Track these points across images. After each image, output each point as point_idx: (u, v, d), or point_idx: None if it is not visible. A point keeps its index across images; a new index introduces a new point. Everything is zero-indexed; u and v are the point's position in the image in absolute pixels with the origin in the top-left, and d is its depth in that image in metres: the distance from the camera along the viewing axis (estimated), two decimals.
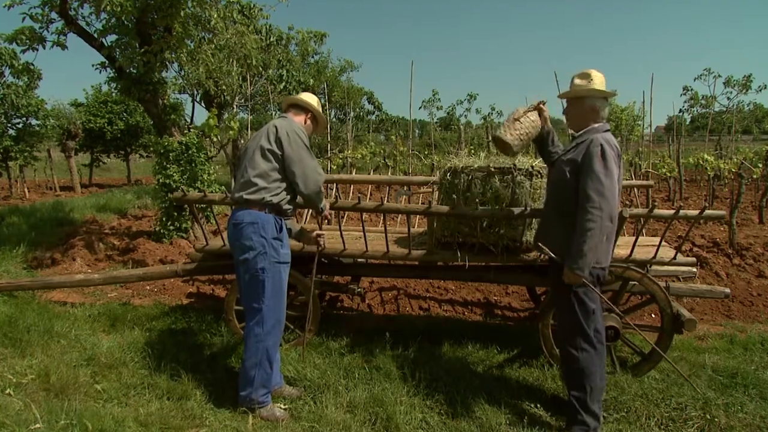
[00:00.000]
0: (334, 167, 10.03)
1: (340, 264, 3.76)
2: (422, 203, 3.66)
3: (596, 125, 2.44)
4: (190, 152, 6.00)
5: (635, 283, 3.08)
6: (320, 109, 2.84)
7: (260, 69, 7.88)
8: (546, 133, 2.75)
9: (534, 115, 2.70)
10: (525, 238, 3.16)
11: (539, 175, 3.12)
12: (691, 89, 23.04)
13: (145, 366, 3.09)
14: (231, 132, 6.17)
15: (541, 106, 2.73)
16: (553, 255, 2.37)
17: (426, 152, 16.60)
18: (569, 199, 2.33)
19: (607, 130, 2.41)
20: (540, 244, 2.43)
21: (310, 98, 2.84)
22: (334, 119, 20.04)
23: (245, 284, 2.62)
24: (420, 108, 15.65)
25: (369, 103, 24.04)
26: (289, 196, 2.65)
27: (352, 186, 6.40)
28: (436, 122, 18.68)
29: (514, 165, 3.11)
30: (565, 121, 2.60)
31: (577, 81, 2.49)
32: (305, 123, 2.80)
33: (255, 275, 2.56)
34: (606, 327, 2.86)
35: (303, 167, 2.55)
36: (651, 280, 3.01)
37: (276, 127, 2.60)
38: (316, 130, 2.88)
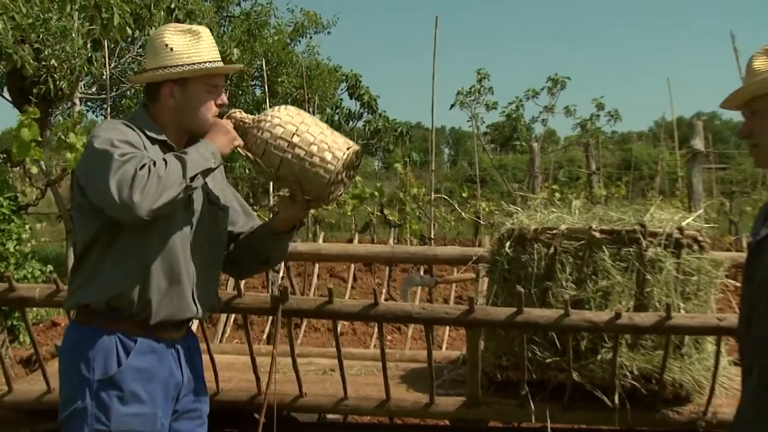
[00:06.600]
0: None
1: (293, 424, 3.81)
2: (457, 300, 3.70)
3: None
4: None
5: None
6: (190, 43, 2.70)
7: (127, 30, 7.81)
8: None
9: None
10: (676, 375, 3.21)
11: (696, 247, 3.23)
12: None
13: None
14: (69, 154, 6.28)
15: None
16: None
17: (464, 194, 16.84)
18: None
19: None
20: None
21: (153, 46, 2.79)
22: None
23: None
24: (453, 106, 15.58)
25: (352, 97, 24.62)
26: (138, 279, 2.61)
27: (317, 265, 6.46)
28: (484, 133, 19.13)
29: (642, 225, 3.23)
30: (751, 156, 2.48)
31: (760, 63, 2.43)
32: (167, 104, 2.74)
33: None
34: None
35: (90, 179, 2.58)
36: None
37: None
38: (198, 101, 2.71)
